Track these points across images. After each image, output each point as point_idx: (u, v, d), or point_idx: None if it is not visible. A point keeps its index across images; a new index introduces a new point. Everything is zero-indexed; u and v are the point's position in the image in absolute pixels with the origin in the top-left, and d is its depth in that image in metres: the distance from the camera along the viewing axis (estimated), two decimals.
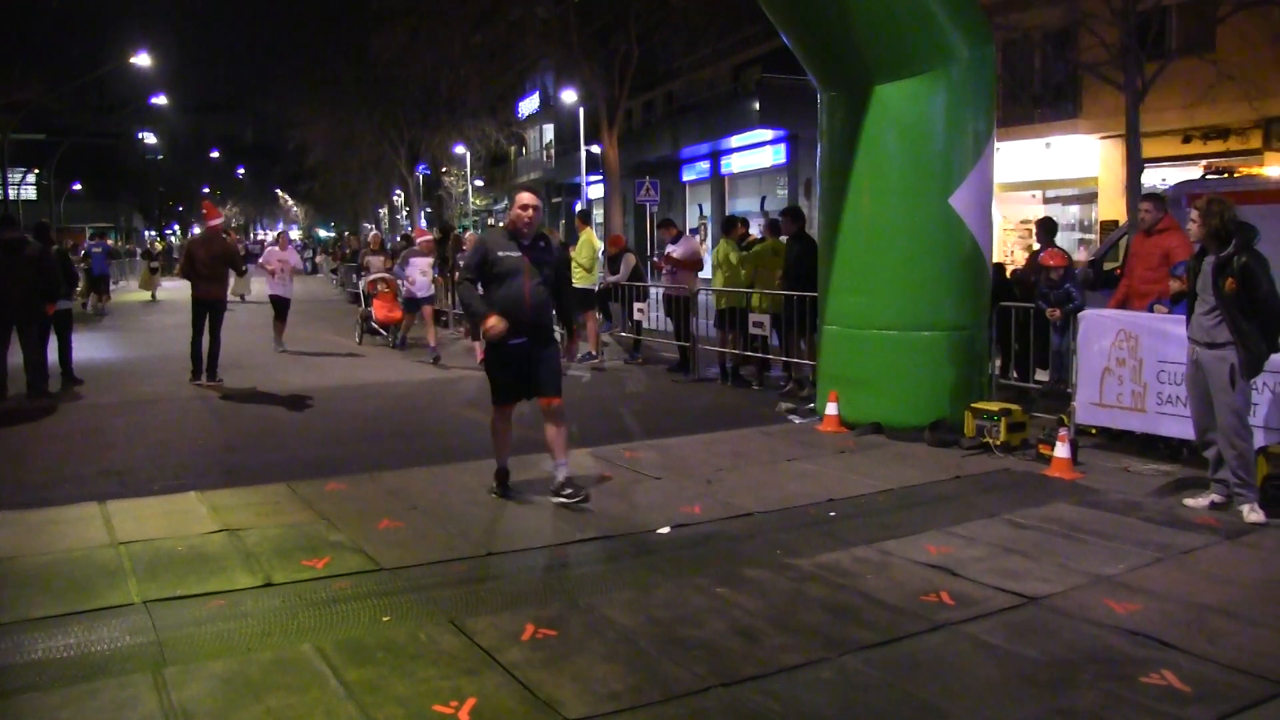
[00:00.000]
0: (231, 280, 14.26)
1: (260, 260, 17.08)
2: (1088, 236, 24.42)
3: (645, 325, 15.17)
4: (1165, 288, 8.62)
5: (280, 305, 16.65)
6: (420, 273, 16.08)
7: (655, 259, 15.15)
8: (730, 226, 13.67)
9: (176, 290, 24.91)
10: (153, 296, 30.47)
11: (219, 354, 12.99)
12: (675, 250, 14.15)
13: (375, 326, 17.52)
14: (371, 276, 18.11)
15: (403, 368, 14.63)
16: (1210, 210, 6.54)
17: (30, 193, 60.69)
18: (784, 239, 12.41)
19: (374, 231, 19.67)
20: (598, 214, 35.90)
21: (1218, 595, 5.12)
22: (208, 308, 12.89)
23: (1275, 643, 4.54)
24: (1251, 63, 18.10)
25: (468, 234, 22.99)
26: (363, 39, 36.98)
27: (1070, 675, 4.23)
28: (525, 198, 6.84)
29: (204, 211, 14.93)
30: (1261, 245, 6.51)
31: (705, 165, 40.31)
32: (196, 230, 15.84)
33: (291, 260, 17.42)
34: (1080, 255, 22.17)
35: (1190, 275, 6.81)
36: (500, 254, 6.72)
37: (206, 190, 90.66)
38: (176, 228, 76.54)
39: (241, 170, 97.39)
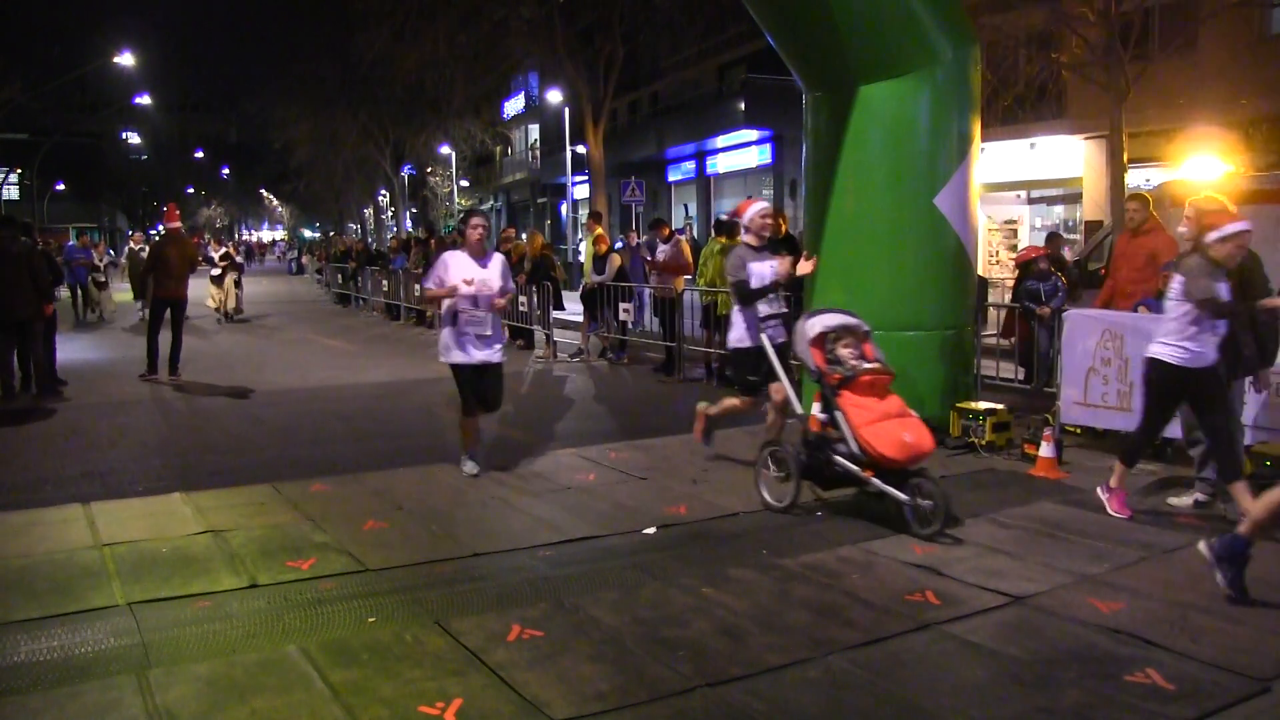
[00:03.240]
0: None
1: (427, 285, 7.95)
2: (1072, 237, 24.52)
3: (631, 325, 15.16)
4: (1151, 287, 8.65)
5: (472, 383, 7.75)
6: None
7: (647, 259, 14.87)
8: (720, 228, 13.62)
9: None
10: (100, 315, 23.65)
11: (180, 350, 13.21)
12: (659, 254, 14.17)
13: (875, 481, 6.37)
14: (825, 324, 7.05)
15: (388, 367, 14.58)
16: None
17: (13, 193, 60.39)
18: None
19: (761, 204, 7.94)
20: (581, 215, 35.86)
21: (1201, 594, 5.14)
22: (170, 305, 13.19)
23: (1257, 640, 4.57)
24: (1233, 63, 18.21)
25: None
26: (346, 39, 36.85)
27: (1054, 674, 4.24)
28: None
29: (180, 214, 14.22)
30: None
31: (691, 165, 40.36)
32: (162, 230, 13.83)
33: (494, 283, 7.74)
34: (1065, 255, 22.23)
35: None
36: None
37: (191, 191, 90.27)
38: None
39: (226, 170, 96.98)
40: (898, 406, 6.59)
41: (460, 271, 7.60)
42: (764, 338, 7.42)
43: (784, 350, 7.58)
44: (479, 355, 7.65)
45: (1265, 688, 4.11)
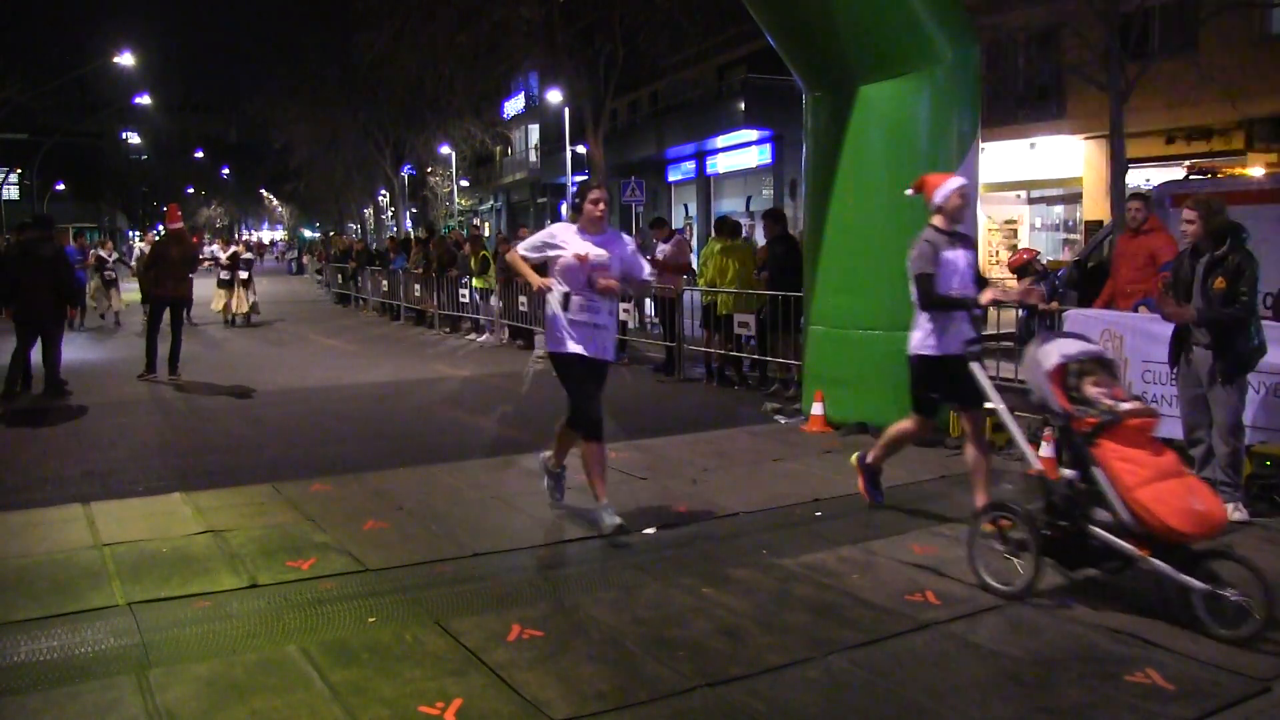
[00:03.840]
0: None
1: (521, 251, 6.49)
2: (1072, 236, 24.56)
3: (630, 325, 15.16)
4: (1151, 287, 8.64)
5: (584, 381, 6.48)
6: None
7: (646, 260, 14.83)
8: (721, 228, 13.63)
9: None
10: (116, 319, 22.07)
11: (180, 350, 13.21)
12: (660, 252, 14.17)
13: (1156, 563, 4.79)
14: (1064, 352, 5.38)
15: (388, 367, 14.58)
16: (1210, 210, 6.54)
17: (13, 193, 60.39)
18: (744, 239, 12.91)
19: (957, 180, 6.52)
20: None
21: None
22: (170, 304, 13.23)
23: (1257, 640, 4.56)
24: (1233, 64, 18.22)
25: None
26: (346, 39, 36.82)
27: (1055, 674, 4.24)
28: None
29: (181, 214, 14.21)
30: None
31: (691, 165, 40.37)
32: (161, 229, 13.94)
33: (614, 265, 6.38)
34: (1065, 255, 22.28)
35: (1187, 275, 6.75)
36: None
37: (190, 191, 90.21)
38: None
39: (226, 170, 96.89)
40: (1174, 463, 5.00)
41: (574, 246, 6.22)
42: (973, 364, 6.04)
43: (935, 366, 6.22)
44: (595, 351, 6.31)
45: (1265, 688, 4.11)
